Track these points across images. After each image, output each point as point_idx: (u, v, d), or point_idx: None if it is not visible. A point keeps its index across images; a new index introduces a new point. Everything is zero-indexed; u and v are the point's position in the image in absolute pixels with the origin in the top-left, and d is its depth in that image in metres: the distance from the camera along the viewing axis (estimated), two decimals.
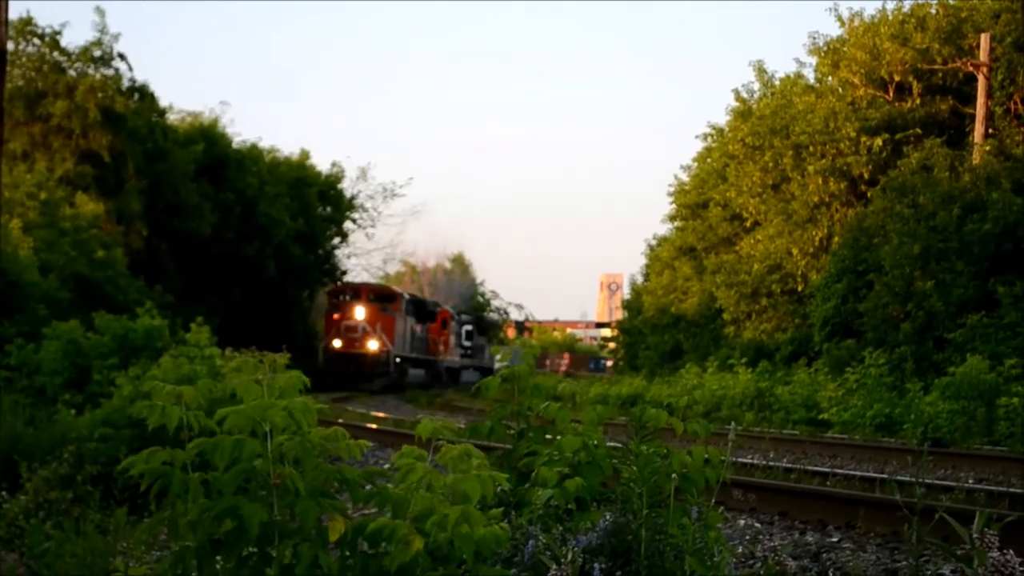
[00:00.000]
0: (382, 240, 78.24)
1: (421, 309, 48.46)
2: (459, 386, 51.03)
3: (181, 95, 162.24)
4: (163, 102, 41.59)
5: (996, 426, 19.32)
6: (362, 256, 59.48)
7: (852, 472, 13.06)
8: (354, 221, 57.00)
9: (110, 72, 35.66)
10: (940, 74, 31.20)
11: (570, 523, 4.85)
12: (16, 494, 9.33)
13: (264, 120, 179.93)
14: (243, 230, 44.15)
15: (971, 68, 28.81)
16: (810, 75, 35.74)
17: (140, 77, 49.49)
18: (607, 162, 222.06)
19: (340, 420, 20.74)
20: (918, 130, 30.22)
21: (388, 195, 57.26)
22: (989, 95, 28.37)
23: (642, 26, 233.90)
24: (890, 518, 8.27)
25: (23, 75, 33.94)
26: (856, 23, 32.71)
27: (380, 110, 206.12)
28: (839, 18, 33.21)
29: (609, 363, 77.71)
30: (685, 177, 43.36)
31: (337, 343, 42.16)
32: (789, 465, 13.71)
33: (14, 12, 34.26)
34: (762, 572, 6.32)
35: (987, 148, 27.15)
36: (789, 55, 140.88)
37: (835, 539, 8.32)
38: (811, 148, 31.36)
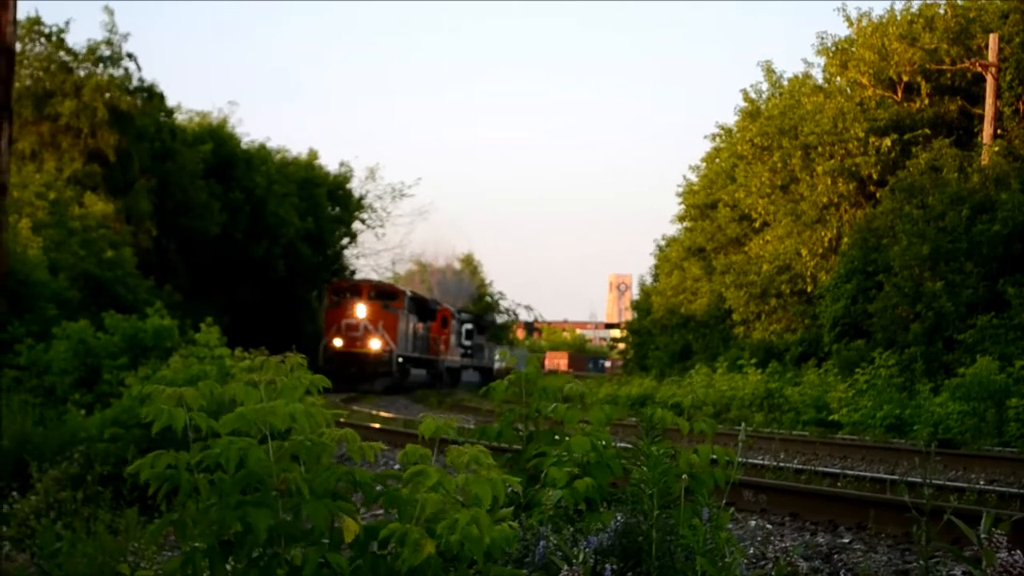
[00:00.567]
0: (391, 241, 78.28)
1: (422, 307, 47.17)
2: (459, 387, 50.50)
3: (189, 95, 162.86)
4: (171, 102, 41.68)
5: (1006, 427, 19.28)
6: (371, 256, 59.48)
7: (863, 473, 13.03)
8: (363, 221, 57.03)
9: (119, 72, 35.71)
10: (949, 74, 31.15)
11: (580, 524, 4.84)
12: (27, 494, 9.35)
13: (271, 120, 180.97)
14: (252, 230, 44.19)
15: (980, 68, 28.75)
16: (818, 75, 35.72)
17: (148, 77, 49.67)
18: (616, 163, 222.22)
19: (346, 420, 20.73)
20: (927, 131, 30.16)
21: (397, 195, 57.23)
22: (998, 95, 28.31)
23: (651, 27, 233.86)
24: (901, 519, 8.26)
25: (31, 75, 33.97)
26: (864, 23, 32.65)
27: (386, 111, 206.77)
28: (847, 18, 33.19)
29: (608, 363, 77.57)
30: (694, 177, 43.33)
31: (338, 342, 40.47)
32: (799, 466, 13.68)
33: (21, 12, 34.33)
34: (773, 573, 6.32)
35: (996, 149, 27.10)
36: (797, 55, 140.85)
37: (846, 540, 8.30)
38: (820, 148, 31.32)
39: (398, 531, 3.77)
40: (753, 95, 37.85)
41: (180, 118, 43.72)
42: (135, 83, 36.66)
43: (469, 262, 78.64)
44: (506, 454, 5.81)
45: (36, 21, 34.22)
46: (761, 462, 14.07)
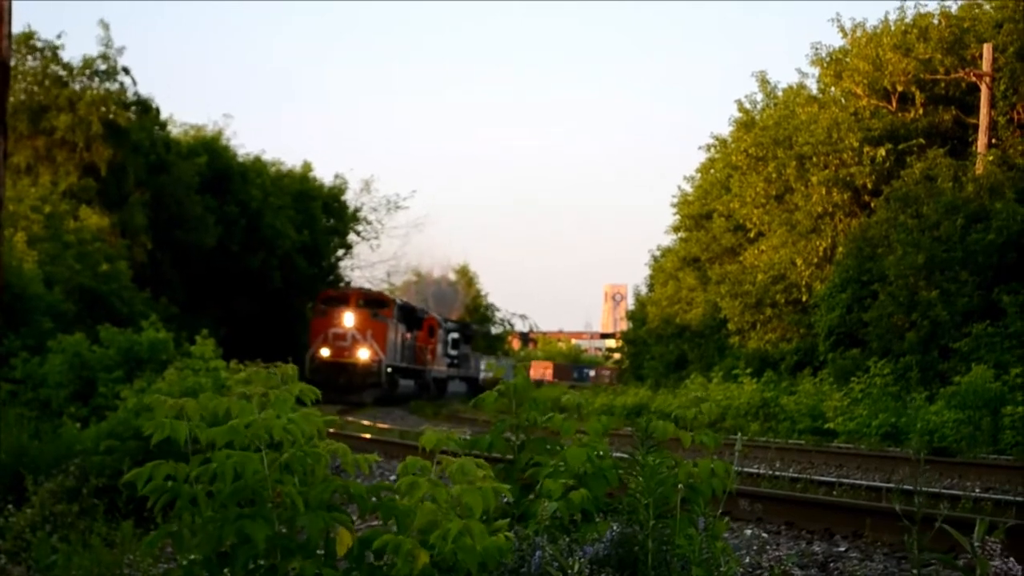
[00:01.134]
0: (386, 252, 78.20)
1: (410, 316, 46.09)
2: (448, 397, 49.89)
3: (182, 108, 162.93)
4: (165, 113, 41.88)
5: (1001, 435, 19.30)
6: (366, 268, 59.52)
7: (858, 481, 13.03)
8: (358, 233, 57.10)
9: (115, 86, 35.78)
10: (943, 84, 31.21)
11: (576, 534, 4.84)
12: (23, 507, 9.33)
13: (270, 124, 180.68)
14: (247, 242, 44.19)
15: (974, 78, 28.81)
16: (813, 86, 35.81)
17: (143, 90, 49.63)
18: (610, 173, 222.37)
19: (341, 432, 20.71)
20: (921, 140, 30.22)
21: (392, 207, 57.35)
22: (992, 105, 28.38)
23: (646, 33, 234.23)
24: (897, 527, 8.24)
25: (25, 89, 34.00)
26: (858, 33, 32.71)
27: (386, 112, 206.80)
28: (841, 28, 33.26)
29: (592, 372, 77.35)
30: (689, 188, 43.39)
31: (325, 351, 39.28)
32: (795, 475, 13.69)
33: (15, 26, 34.30)
34: None
35: (990, 158, 27.17)
36: (797, 56, 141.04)
37: (842, 548, 8.31)
38: (814, 159, 31.37)
39: (392, 542, 3.78)
40: (748, 105, 37.97)
41: (175, 131, 43.83)
42: (130, 97, 36.73)
43: (464, 273, 78.60)
44: (499, 464, 5.81)
45: (30, 35, 34.27)
46: (757, 471, 14.08)
